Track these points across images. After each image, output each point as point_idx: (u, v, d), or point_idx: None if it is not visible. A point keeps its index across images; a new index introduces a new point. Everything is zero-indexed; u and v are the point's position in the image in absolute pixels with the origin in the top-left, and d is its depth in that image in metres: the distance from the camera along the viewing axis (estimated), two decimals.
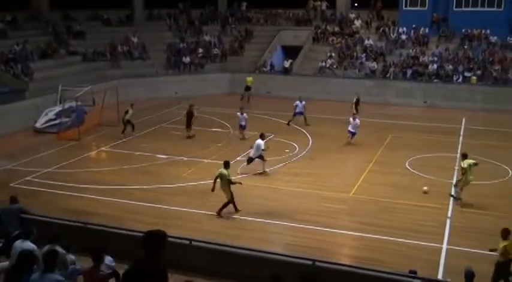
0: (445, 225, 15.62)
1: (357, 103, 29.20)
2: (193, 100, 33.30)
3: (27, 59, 31.39)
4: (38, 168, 20.60)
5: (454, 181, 18.15)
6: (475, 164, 16.88)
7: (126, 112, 25.11)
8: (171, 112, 30.96)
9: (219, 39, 40.19)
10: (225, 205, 16.27)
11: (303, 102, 27.87)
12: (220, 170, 16.34)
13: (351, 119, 24.28)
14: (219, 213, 16.24)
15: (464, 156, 17.25)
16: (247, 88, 34.79)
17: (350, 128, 24.05)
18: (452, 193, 17.64)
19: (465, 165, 16.81)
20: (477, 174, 17.19)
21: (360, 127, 24.16)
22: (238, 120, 25.22)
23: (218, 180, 16.29)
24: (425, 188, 18.03)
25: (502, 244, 11.53)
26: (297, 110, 27.84)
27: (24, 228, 10.64)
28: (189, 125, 25.26)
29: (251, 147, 20.33)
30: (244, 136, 24.85)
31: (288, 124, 27.65)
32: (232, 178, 16.48)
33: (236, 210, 16.42)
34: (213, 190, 16.27)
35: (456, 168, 20.84)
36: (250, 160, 20.00)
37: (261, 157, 19.93)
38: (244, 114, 24.98)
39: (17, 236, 10.44)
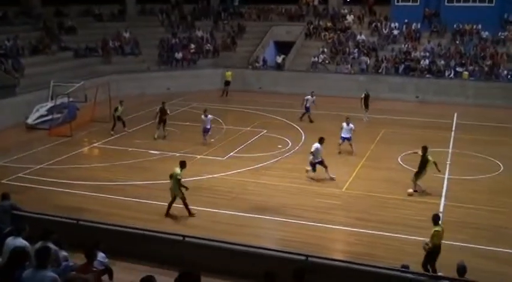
0: None
1: (366, 99, 28.35)
2: (185, 96, 33.41)
3: (18, 54, 31.18)
4: (30, 165, 20.49)
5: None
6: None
7: (116, 109, 24.96)
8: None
9: (211, 35, 40.09)
10: (184, 204, 15.79)
11: (314, 98, 27.64)
12: (174, 168, 15.95)
13: (344, 123, 22.17)
14: (189, 212, 15.83)
15: (425, 149, 17.80)
16: (227, 83, 34.86)
17: (343, 134, 22.02)
18: (419, 188, 17.83)
19: (431, 158, 17.51)
20: (469, 169, 17.25)
21: (355, 130, 22.41)
22: (202, 123, 23.28)
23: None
24: (410, 190, 17.69)
25: (433, 229, 12.04)
26: (307, 105, 27.60)
27: (16, 225, 10.57)
28: (161, 122, 24.28)
29: (311, 154, 18.80)
30: (207, 141, 23.22)
31: (311, 121, 27.48)
32: (182, 180, 15.79)
33: (189, 213, 15.86)
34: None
35: (448, 163, 20.96)
36: (313, 166, 18.78)
37: (321, 163, 18.78)
38: (209, 116, 23.13)
39: (9, 232, 10.36)
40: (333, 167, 20.02)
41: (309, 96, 27.63)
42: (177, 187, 15.76)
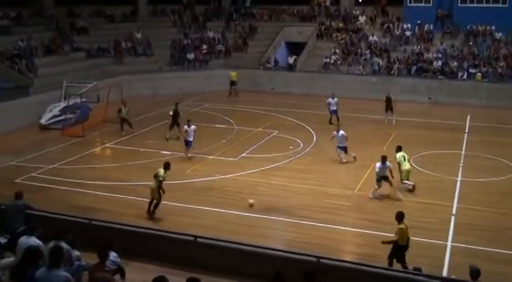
0: (449, 222, 15.62)
1: (388, 102, 27.56)
2: (197, 96, 33.50)
3: (32, 55, 31.43)
4: (42, 165, 20.66)
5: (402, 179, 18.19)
6: (405, 157, 18.15)
7: (119, 110, 25.02)
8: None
9: (223, 36, 40.16)
10: (155, 206, 15.86)
11: (335, 99, 27.12)
12: (158, 169, 16.05)
13: (335, 132, 21.22)
14: (151, 214, 15.85)
15: (399, 149, 18.34)
16: (232, 83, 34.84)
17: (338, 144, 21.04)
18: (410, 186, 18.02)
19: (398, 159, 17.99)
20: (482, 171, 17.16)
21: (347, 137, 21.23)
22: (185, 134, 21.48)
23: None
24: (251, 201, 16.47)
25: (397, 227, 12.36)
26: (331, 108, 27.08)
27: (29, 225, 10.68)
28: (174, 123, 24.10)
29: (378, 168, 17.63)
30: (188, 154, 21.27)
31: (330, 123, 26.60)
32: (163, 183, 15.86)
33: (151, 215, 15.78)
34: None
35: (461, 164, 20.85)
36: (384, 179, 17.55)
37: (386, 178, 17.55)
38: (193, 127, 21.28)
39: (22, 232, 10.48)
40: (344, 168, 20.04)
41: (330, 99, 27.18)
42: (157, 189, 15.78)
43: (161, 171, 15.95)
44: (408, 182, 18.01)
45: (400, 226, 12.38)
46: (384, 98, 27.82)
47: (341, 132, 21.04)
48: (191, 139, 21.21)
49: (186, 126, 21.39)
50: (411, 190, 17.96)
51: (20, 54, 30.52)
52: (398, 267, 11.66)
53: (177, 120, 24.20)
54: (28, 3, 37.58)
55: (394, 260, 12.42)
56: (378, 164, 17.53)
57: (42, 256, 8.45)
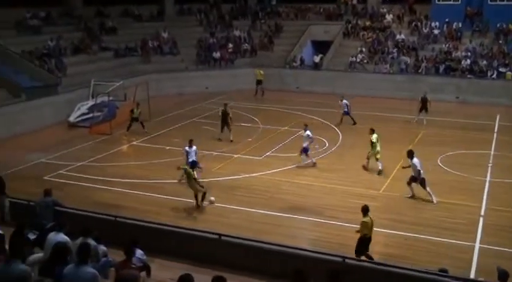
0: (477, 223, 15.39)
1: (424, 102, 26.86)
2: (223, 95, 33.60)
3: (61, 54, 31.90)
4: (70, 162, 20.98)
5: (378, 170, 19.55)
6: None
7: (132, 111, 25.16)
8: (201, 107, 31.14)
9: (249, 34, 40.21)
10: (202, 197, 16.57)
11: (344, 101, 26.95)
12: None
13: (303, 130, 20.83)
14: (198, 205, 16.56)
15: (372, 131, 19.84)
16: (259, 82, 34.70)
17: (304, 144, 20.34)
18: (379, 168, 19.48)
19: (374, 140, 19.46)
20: (511, 172, 16.86)
21: (312, 138, 20.59)
22: (186, 154, 18.71)
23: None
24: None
25: (362, 220, 12.66)
26: (346, 109, 26.93)
27: (57, 221, 10.85)
28: (224, 125, 23.85)
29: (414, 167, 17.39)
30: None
31: (354, 123, 26.63)
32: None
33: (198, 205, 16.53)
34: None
35: (490, 165, 20.53)
36: (419, 180, 17.28)
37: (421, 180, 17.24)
38: (194, 148, 18.68)
39: (51, 228, 10.65)
40: (370, 167, 19.88)
41: (345, 101, 26.93)
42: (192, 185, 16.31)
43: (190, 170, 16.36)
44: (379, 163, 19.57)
45: (364, 219, 12.61)
46: (420, 98, 27.17)
47: (307, 132, 20.41)
48: (194, 159, 18.10)
49: (186, 147, 18.80)
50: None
51: (49, 53, 31.02)
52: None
53: (227, 120, 23.85)
54: (57, 3, 38.14)
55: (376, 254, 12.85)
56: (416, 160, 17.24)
57: (70, 252, 8.57)
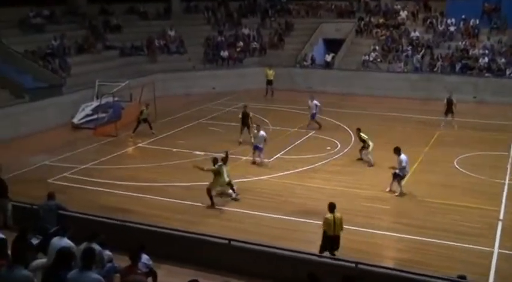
0: (495, 227, 15.31)
1: (450, 104, 26.08)
2: (231, 95, 33.66)
3: (65, 53, 32.05)
4: (75, 164, 21.07)
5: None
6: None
7: (141, 112, 25.14)
8: (209, 108, 31.19)
9: (258, 32, 40.20)
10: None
11: (314, 102, 25.92)
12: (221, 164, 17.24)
13: (255, 131, 21.27)
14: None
15: (359, 130, 21.40)
16: (269, 82, 34.58)
17: (256, 143, 20.84)
18: (371, 162, 20.70)
19: (365, 137, 21.04)
20: None
21: (267, 140, 21.00)
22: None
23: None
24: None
25: (325, 216, 12.90)
26: (313, 111, 25.96)
27: (61, 225, 10.91)
28: (244, 126, 23.64)
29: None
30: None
31: (319, 127, 25.97)
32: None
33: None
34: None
35: (509, 166, 20.40)
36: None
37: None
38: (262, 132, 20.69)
39: (55, 232, 10.70)
40: (383, 170, 19.81)
41: (315, 101, 25.98)
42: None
43: (217, 167, 17.13)
44: (370, 157, 20.87)
45: (326, 216, 12.86)
46: (445, 100, 26.36)
47: (262, 132, 20.88)
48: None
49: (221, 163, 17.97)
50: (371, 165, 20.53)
51: (53, 53, 31.18)
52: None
53: (247, 122, 23.70)
54: (61, 1, 38.34)
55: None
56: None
57: (74, 258, 8.62)
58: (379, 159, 20.60)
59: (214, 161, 17.40)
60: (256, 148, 20.96)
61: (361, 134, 21.19)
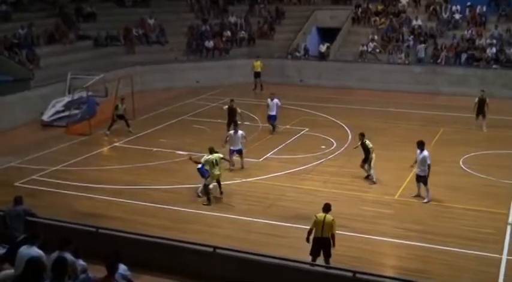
0: (504, 233, 15.41)
1: (481, 105, 25.05)
2: (217, 90, 33.64)
3: (33, 44, 31.82)
4: (45, 166, 20.95)
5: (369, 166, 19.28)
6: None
7: (116, 107, 25.03)
8: (192, 103, 31.15)
9: (246, 21, 40.16)
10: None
11: (276, 101, 25.05)
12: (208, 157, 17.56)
13: (232, 131, 20.61)
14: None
15: (363, 136, 19.24)
16: (257, 74, 34.62)
17: (232, 146, 20.38)
18: (373, 179, 19.10)
19: (371, 145, 19.05)
20: None
21: (245, 138, 20.87)
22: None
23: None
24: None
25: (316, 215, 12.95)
26: (269, 112, 25.07)
27: (30, 232, 10.84)
28: (230, 124, 23.34)
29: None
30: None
31: (272, 131, 25.03)
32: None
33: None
34: None
35: None
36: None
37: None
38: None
39: (23, 241, 10.64)
40: (383, 171, 19.88)
41: (275, 100, 25.15)
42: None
43: (211, 157, 17.49)
44: (372, 172, 19.23)
45: (317, 214, 12.91)
46: (476, 100, 25.30)
47: (240, 131, 20.53)
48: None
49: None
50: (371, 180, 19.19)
51: (19, 43, 30.94)
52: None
53: (234, 118, 23.64)
54: None
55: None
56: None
57: (45, 268, 8.57)
58: (381, 160, 20.63)
59: (211, 150, 17.80)
60: (237, 152, 20.39)
61: (367, 141, 19.31)
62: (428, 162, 17.26)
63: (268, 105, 25.12)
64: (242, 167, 20.68)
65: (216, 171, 17.51)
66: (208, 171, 17.64)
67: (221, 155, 17.91)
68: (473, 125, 25.51)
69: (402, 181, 19.23)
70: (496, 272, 13.36)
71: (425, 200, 17.37)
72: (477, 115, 25.26)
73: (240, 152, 20.48)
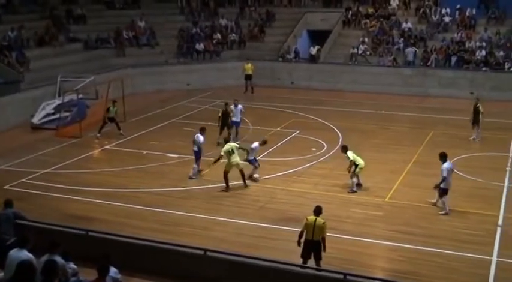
0: (494, 235, 15.47)
1: (476, 112, 24.28)
2: (207, 92, 33.64)
3: (23, 46, 31.72)
4: (35, 169, 20.85)
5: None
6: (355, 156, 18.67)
7: (108, 110, 24.94)
8: (183, 106, 31.11)
9: (236, 23, 40.22)
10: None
11: (239, 107, 24.47)
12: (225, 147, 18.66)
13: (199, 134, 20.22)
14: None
15: (345, 148, 18.92)
16: (248, 76, 34.67)
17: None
18: (354, 188, 18.59)
19: (351, 157, 18.49)
20: None
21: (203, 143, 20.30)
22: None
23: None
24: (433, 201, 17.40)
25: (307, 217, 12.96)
26: (233, 119, 24.22)
27: (19, 236, 10.78)
28: (224, 127, 23.62)
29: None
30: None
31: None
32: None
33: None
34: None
35: (509, 169, 20.66)
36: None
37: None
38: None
39: (13, 244, 10.58)
40: (374, 173, 19.93)
41: (239, 106, 24.52)
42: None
43: (227, 146, 18.70)
44: (355, 181, 18.70)
45: (308, 217, 12.94)
46: (472, 108, 24.58)
47: (200, 137, 20.08)
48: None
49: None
50: (359, 185, 18.78)
51: (9, 45, 30.79)
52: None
53: (227, 122, 23.68)
54: None
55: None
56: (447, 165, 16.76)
57: (35, 272, 8.53)
58: (371, 162, 20.67)
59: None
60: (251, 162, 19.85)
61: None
62: (444, 174, 16.49)
63: (232, 112, 24.24)
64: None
65: (233, 160, 18.46)
66: (256, 161, 19.44)
67: (237, 145, 19.26)
68: (473, 135, 24.55)
69: (393, 183, 19.28)
70: (487, 273, 13.40)
71: (441, 212, 16.77)
72: (473, 124, 24.46)
73: (237, 125, 21.50)
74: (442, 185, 16.57)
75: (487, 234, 15.53)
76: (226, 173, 18.55)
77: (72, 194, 18.52)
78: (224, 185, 18.72)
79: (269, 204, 17.71)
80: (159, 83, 35.10)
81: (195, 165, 19.99)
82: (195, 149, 20.09)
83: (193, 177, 19.81)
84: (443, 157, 17.05)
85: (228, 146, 18.69)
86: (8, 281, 8.58)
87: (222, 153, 18.73)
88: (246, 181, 18.99)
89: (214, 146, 22.61)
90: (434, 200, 17.21)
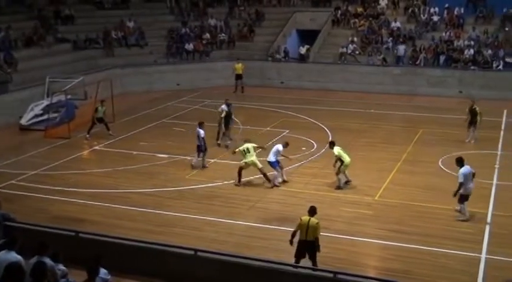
0: (483, 232, 15.55)
1: (473, 114, 23.84)
2: (197, 92, 33.60)
3: (11, 47, 31.57)
4: (23, 170, 20.74)
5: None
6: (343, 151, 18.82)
7: (96, 110, 24.78)
8: (172, 106, 31.06)
9: (226, 23, 40.20)
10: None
11: (223, 106, 24.17)
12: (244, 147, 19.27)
13: (280, 146, 19.69)
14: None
15: (332, 144, 19.08)
16: (238, 76, 34.67)
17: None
18: (340, 185, 18.75)
19: (336, 153, 18.63)
20: None
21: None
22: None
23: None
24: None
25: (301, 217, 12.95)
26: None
27: (8, 238, 10.71)
28: (228, 127, 23.65)
29: None
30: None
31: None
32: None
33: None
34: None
35: (497, 166, 20.77)
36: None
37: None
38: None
39: (1, 246, 10.51)
40: (363, 171, 19.99)
41: (223, 106, 24.20)
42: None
43: (245, 145, 19.35)
44: (341, 178, 18.81)
45: (302, 217, 12.95)
46: (467, 110, 24.16)
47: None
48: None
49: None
50: (348, 181, 18.96)
51: None
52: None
53: (228, 122, 23.74)
54: None
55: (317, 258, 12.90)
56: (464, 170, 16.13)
57: (24, 274, 8.48)
58: (362, 161, 20.74)
59: (246, 140, 19.99)
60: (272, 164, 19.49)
61: (334, 149, 18.82)
62: (460, 180, 15.99)
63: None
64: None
65: (247, 159, 19.08)
66: (278, 163, 19.33)
67: (254, 145, 19.65)
68: (469, 137, 24.08)
69: (382, 182, 19.33)
70: (476, 271, 13.46)
71: (460, 218, 16.33)
72: (469, 125, 24.00)
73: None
74: (461, 191, 16.05)
75: (476, 231, 15.59)
76: (240, 169, 19.12)
77: (61, 195, 18.44)
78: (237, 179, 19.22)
79: (260, 203, 17.72)
80: (148, 83, 35.02)
81: (197, 157, 20.87)
82: (198, 143, 20.73)
83: (195, 166, 20.83)
84: (460, 162, 16.40)
85: (243, 146, 19.35)
86: None
87: (237, 150, 19.55)
88: (273, 181, 19.11)
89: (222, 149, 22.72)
90: (458, 207, 16.54)
